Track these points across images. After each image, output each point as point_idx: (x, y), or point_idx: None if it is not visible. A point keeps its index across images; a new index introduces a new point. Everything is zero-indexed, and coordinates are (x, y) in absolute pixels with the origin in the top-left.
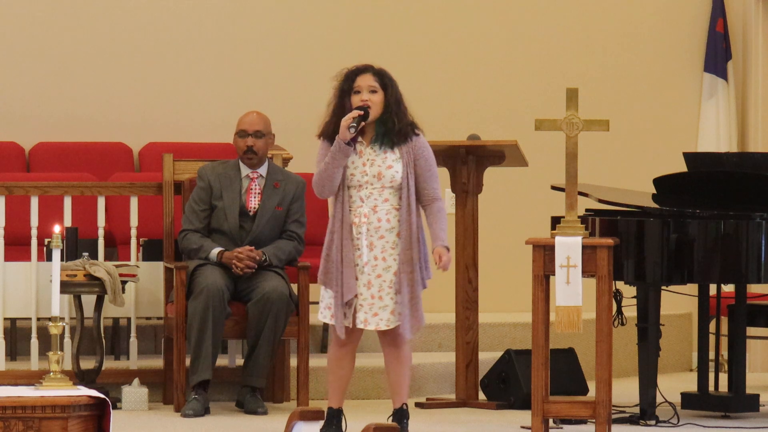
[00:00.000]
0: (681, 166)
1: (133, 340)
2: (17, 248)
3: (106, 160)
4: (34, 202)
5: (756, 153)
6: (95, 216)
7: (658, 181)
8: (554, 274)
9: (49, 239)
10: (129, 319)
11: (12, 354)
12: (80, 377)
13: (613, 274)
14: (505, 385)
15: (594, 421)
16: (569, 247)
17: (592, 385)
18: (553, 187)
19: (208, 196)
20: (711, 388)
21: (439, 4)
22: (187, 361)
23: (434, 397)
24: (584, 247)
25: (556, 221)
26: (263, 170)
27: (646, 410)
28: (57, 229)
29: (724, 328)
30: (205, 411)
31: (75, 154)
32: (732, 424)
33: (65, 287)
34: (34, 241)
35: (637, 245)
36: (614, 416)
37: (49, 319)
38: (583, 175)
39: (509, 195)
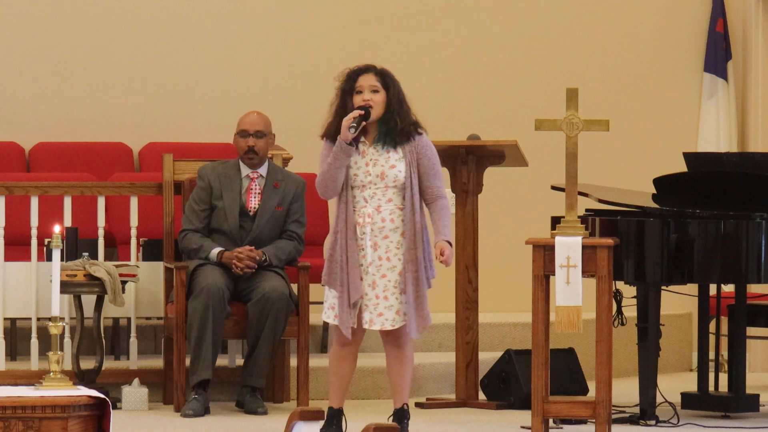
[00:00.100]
0: (681, 166)
1: (133, 340)
2: (17, 248)
3: (106, 160)
4: (34, 202)
5: (756, 153)
6: (95, 216)
7: (658, 181)
8: (554, 274)
9: (49, 239)
10: (129, 319)
11: (12, 354)
12: (80, 377)
13: (613, 274)
14: (505, 385)
15: (594, 421)
16: (569, 247)
17: (592, 385)
18: (553, 187)
19: (208, 196)
20: (711, 388)
21: (439, 4)
22: (187, 361)
23: (434, 397)
24: (584, 247)
25: (556, 221)
26: (263, 170)
27: (646, 410)
28: (57, 229)
29: (724, 328)
30: (205, 411)
31: (75, 154)
32: (732, 424)
33: (65, 287)
34: (34, 241)
35: (637, 245)
36: (614, 416)
37: (49, 319)
38: (583, 175)
39: (509, 195)
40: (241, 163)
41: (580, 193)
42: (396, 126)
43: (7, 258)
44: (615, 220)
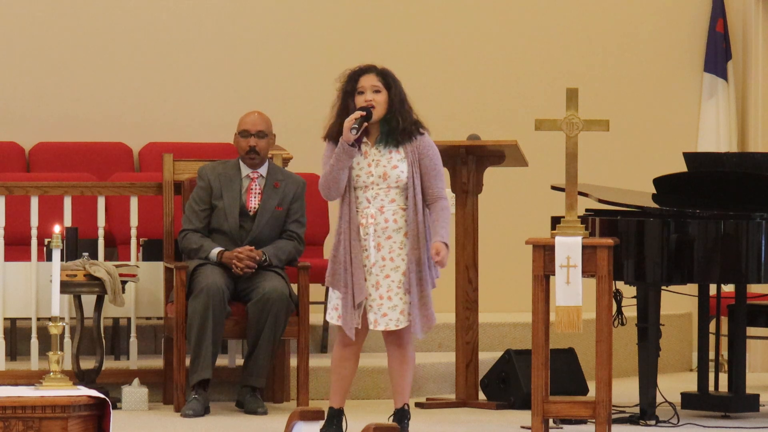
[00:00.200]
0: (681, 166)
1: (133, 340)
2: (17, 248)
3: (106, 160)
4: (34, 202)
5: (756, 153)
6: (95, 216)
7: (658, 181)
8: (554, 274)
9: (49, 239)
10: (129, 319)
11: (12, 354)
12: (80, 377)
13: (613, 274)
14: (505, 385)
15: (594, 421)
16: (569, 247)
17: (592, 385)
18: (553, 187)
19: (208, 195)
20: (711, 388)
21: (439, 4)
22: (187, 361)
23: (434, 397)
24: (584, 247)
25: (556, 221)
26: (263, 170)
27: (646, 410)
28: (57, 229)
29: (724, 328)
30: (205, 411)
31: (75, 154)
32: (732, 424)
33: (65, 287)
34: (34, 241)
35: (637, 245)
36: (614, 416)
37: (49, 319)
38: (583, 175)
39: (509, 195)
40: (241, 163)
41: (580, 193)
42: (398, 125)
43: (7, 258)
44: (615, 220)
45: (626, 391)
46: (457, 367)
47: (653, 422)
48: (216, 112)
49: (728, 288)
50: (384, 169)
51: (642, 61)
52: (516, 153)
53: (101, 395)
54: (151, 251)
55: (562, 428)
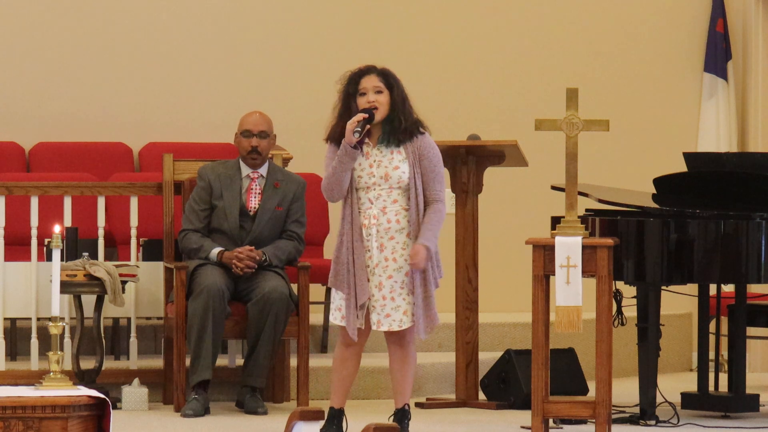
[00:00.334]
0: (681, 166)
1: (133, 340)
2: (17, 248)
3: (106, 160)
4: (34, 202)
5: (756, 153)
6: (95, 216)
7: (658, 181)
8: (554, 274)
9: (49, 239)
10: (129, 319)
11: (12, 354)
12: (80, 377)
13: (613, 274)
14: (505, 385)
15: (594, 421)
16: (569, 247)
17: (592, 385)
18: (553, 187)
19: (208, 195)
20: (711, 388)
21: (439, 4)
22: (187, 361)
23: (434, 397)
24: (584, 247)
25: (556, 221)
26: (263, 170)
27: (646, 410)
28: (57, 229)
29: (724, 328)
30: (205, 411)
31: (75, 154)
32: (732, 424)
33: (65, 287)
34: (34, 241)
35: (637, 245)
36: (614, 416)
37: (49, 319)
38: (583, 175)
39: (509, 195)
40: (242, 163)
41: (580, 193)
42: (400, 125)
43: (7, 258)
44: (615, 220)
45: (626, 391)
46: (457, 367)
47: (653, 422)
48: (216, 112)
49: (728, 288)
50: (386, 169)
51: (642, 61)
52: (516, 153)
53: (101, 395)
54: (151, 251)
55: (562, 428)
